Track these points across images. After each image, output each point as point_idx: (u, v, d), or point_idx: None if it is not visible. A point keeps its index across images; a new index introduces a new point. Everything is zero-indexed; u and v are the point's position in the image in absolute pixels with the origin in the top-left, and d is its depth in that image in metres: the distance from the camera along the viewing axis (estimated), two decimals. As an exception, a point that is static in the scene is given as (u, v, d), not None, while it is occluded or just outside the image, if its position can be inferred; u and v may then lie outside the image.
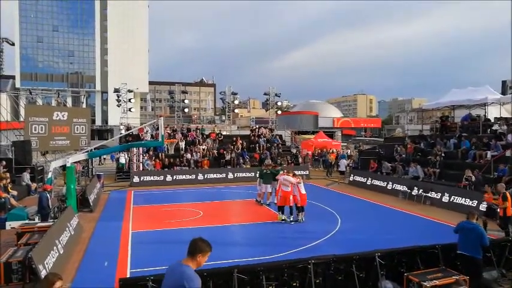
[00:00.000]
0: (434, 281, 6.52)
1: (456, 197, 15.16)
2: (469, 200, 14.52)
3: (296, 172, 16.71)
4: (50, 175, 14.41)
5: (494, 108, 22.69)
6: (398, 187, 18.63)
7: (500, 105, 22.29)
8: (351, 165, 27.09)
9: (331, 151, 32.66)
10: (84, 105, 31.06)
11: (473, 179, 15.73)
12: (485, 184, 13.47)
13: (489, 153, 17.87)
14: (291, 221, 13.02)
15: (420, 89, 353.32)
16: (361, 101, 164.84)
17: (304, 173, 24.88)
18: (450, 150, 20.69)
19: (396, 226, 12.87)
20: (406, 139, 24.50)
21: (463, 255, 7.09)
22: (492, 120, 22.00)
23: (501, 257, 8.12)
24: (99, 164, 35.10)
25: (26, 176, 18.22)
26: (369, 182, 21.19)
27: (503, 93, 54.56)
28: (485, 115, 22.64)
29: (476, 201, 14.04)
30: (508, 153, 17.15)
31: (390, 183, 19.55)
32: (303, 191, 13.09)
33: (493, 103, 22.10)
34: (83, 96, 32.47)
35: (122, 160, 25.93)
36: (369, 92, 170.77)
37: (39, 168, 20.52)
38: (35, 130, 19.45)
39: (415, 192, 17.27)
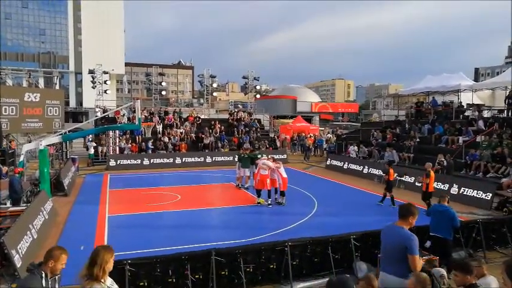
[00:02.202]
0: (406, 261, 6.73)
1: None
2: (441, 184, 14.99)
3: (274, 156, 16.84)
4: (21, 158, 13.99)
5: (467, 95, 23.30)
6: (374, 171, 19.01)
7: (472, 91, 22.91)
8: (327, 149, 27.51)
9: (309, 136, 32.93)
10: (57, 87, 30.12)
11: (445, 163, 16.22)
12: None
13: (461, 139, 18.45)
14: (269, 204, 13.15)
15: (397, 75, 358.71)
16: (339, 86, 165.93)
17: (282, 157, 25.03)
18: (424, 136, 21.23)
19: (371, 209, 13.18)
20: (383, 128, 24.93)
21: (435, 236, 7.35)
22: (465, 107, 22.63)
23: (469, 238, 8.47)
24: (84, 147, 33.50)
25: (-4, 159, 17.61)
26: (345, 166, 21.53)
27: (476, 80, 56.25)
28: (460, 102, 23.24)
29: (448, 185, 14.54)
30: (478, 138, 17.74)
31: (366, 167, 19.93)
32: (284, 175, 13.21)
33: (466, 90, 22.69)
34: (56, 77, 31.54)
35: (91, 150, 23.58)
36: (347, 77, 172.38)
37: (10, 151, 19.87)
38: (5, 112, 18.76)
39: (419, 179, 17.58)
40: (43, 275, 3.45)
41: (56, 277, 3.62)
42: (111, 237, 9.64)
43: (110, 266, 3.46)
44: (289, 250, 6.84)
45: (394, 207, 12.94)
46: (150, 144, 24.48)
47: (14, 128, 19.65)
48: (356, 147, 22.76)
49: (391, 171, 13.41)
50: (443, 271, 5.58)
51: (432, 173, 12.20)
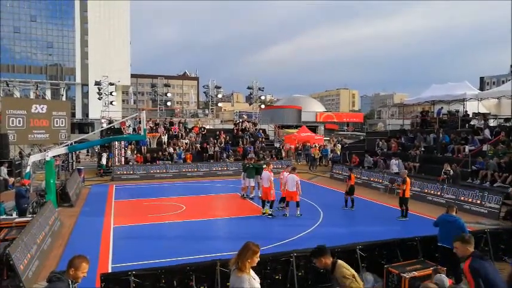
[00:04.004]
0: (414, 272, 6.65)
1: (435, 191, 15.49)
2: (447, 193, 14.87)
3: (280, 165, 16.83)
4: (28, 169, 14.08)
5: (473, 104, 23.20)
6: (379, 181, 18.89)
7: (478, 100, 22.82)
8: (331, 159, 27.48)
9: (314, 145, 32.87)
10: (63, 98, 30.43)
11: (452, 173, 16.10)
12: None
13: (467, 148, 18.32)
14: (269, 215, 13.07)
15: (402, 84, 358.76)
16: (344, 95, 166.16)
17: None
18: (430, 145, 21.11)
19: (377, 219, 13.07)
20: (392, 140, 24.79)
21: (443, 247, 7.22)
22: (470, 115, 22.52)
23: (477, 248, 8.33)
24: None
25: (3, 171, 17.74)
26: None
27: (481, 89, 56.05)
28: (466, 111, 23.13)
29: (454, 195, 14.42)
30: (485, 147, 17.61)
31: (371, 177, 19.80)
32: (266, 184, 13.26)
33: (471, 99, 22.61)
34: (62, 89, 31.80)
35: (103, 160, 23.81)
36: (352, 87, 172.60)
37: (17, 163, 20.03)
38: (13, 123, 18.95)
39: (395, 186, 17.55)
40: (69, 282, 3.64)
41: (76, 284, 3.79)
42: (116, 248, 9.62)
43: (253, 263, 3.88)
44: (294, 261, 6.80)
45: (353, 209, 14.18)
46: (182, 153, 24.78)
47: (21, 140, 19.81)
48: (397, 161, 19.94)
49: (352, 176, 14.61)
50: (446, 279, 5.47)
51: (408, 180, 12.88)
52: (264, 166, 15.49)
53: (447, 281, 5.29)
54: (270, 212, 13.15)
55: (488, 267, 4.09)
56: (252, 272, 3.89)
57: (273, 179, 13.28)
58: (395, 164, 19.92)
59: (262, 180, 13.55)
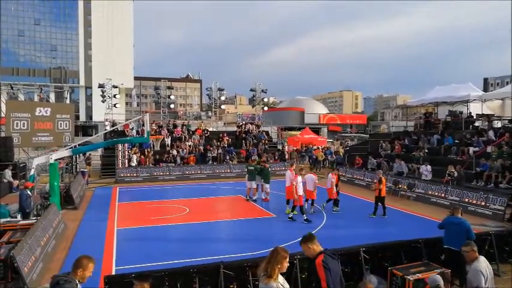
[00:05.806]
0: (418, 274, 6.61)
1: (439, 192, 15.43)
2: (451, 195, 14.81)
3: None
4: (32, 172, 14.13)
5: (476, 105, 23.10)
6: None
7: (482, 102, 22.72)
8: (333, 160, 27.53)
9: (315, 147, 32.85)
10: (67, 101, 30.58)
11: (456, 174, 16.03)
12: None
13: (471, 149, 18.24)
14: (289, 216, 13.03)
15: (405, 86, 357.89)
16: (347, 97, 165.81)
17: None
18: (433, 146, 21.04)
19: (380, 221, 13.03)
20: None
21: (449, 249, 7.18)
22: (474, 117, 22.42)
23: (481, 251, 8.29)
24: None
25: (8, 173, 17.86)
26: (353, 178, 21.38)
27: (485, 90, 55.83)
28: (470, 112, 23.04)
29: (459, 196, 14.36)
30: (489, 149, 17.53)
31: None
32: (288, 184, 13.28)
33: (475, 100, 22.51)
34: (66, 92, 31.93)
35: (134, 162, 23.67)
36: (355, 89, 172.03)
37: (21, 165, 20.12)
38: (17, 126, 19.07)
39: (399, 187, 17.52)
40: (77, 282, 3.68)
41: (81, 285, 3.83)
42: (120, 251, 9.64)
43: (282, 268, 3.78)
44: (298, 263, 6.77)
45: (330, 206, 14.52)
46: (209, 154, 25.22)
47: (25, 142, 19.91)
48: (426, 166, 18.25)
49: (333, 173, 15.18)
50: (440, 280, 5.38)
51: (383, 179, 13.63)
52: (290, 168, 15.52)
53: (440, 279, 5.21)
54: (291, 216, 12.94)
55: (335, 265, 4.32)
56: (280, 278, 3.79)
57: (296, 178, 12.92)
58: (426, 171, 18.15)
59: (287, 180, 13.42)
